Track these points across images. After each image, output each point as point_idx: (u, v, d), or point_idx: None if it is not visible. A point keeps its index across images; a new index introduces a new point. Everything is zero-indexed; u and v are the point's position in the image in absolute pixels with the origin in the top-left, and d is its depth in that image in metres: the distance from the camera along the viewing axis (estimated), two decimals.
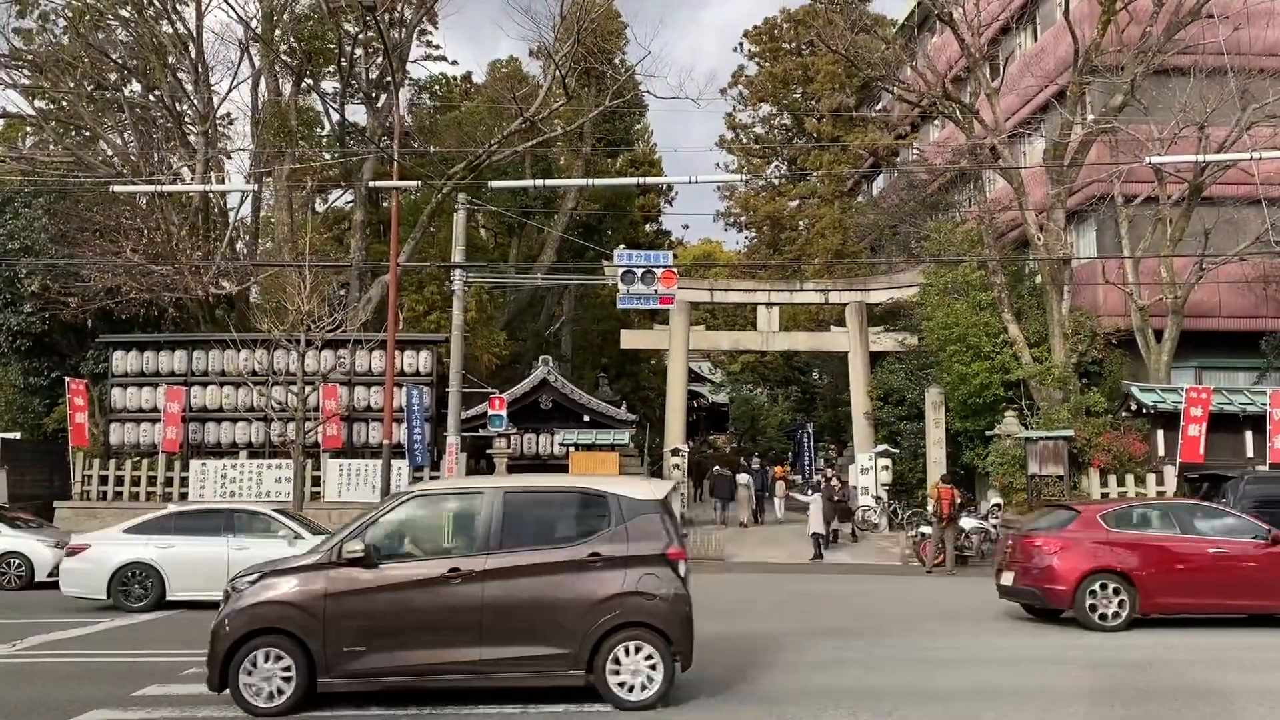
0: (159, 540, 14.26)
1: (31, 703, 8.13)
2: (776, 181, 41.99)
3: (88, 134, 28.95)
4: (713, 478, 29.58)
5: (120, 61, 28.79)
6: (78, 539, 15.16)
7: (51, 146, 28.44)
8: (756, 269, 36.74)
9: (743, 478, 28.41)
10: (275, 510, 15.43)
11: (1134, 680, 9.05)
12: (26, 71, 28.95)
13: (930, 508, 20.67)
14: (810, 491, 25.26)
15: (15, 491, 22.82)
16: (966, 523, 20.65)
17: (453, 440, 21.21)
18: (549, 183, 25.20)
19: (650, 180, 28.77)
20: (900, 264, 29.85)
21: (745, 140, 43.36)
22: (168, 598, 14.02)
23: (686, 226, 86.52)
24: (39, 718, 7.60)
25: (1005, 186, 25.37)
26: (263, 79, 30.18)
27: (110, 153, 28.18)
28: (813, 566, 20.91)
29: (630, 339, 31.87)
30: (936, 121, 33.68)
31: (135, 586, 14.05)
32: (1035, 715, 7.76)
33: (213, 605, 12.53)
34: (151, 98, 29.08)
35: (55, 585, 16.99)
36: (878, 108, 40.05)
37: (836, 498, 24.26)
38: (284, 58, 30.62)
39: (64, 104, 29.03)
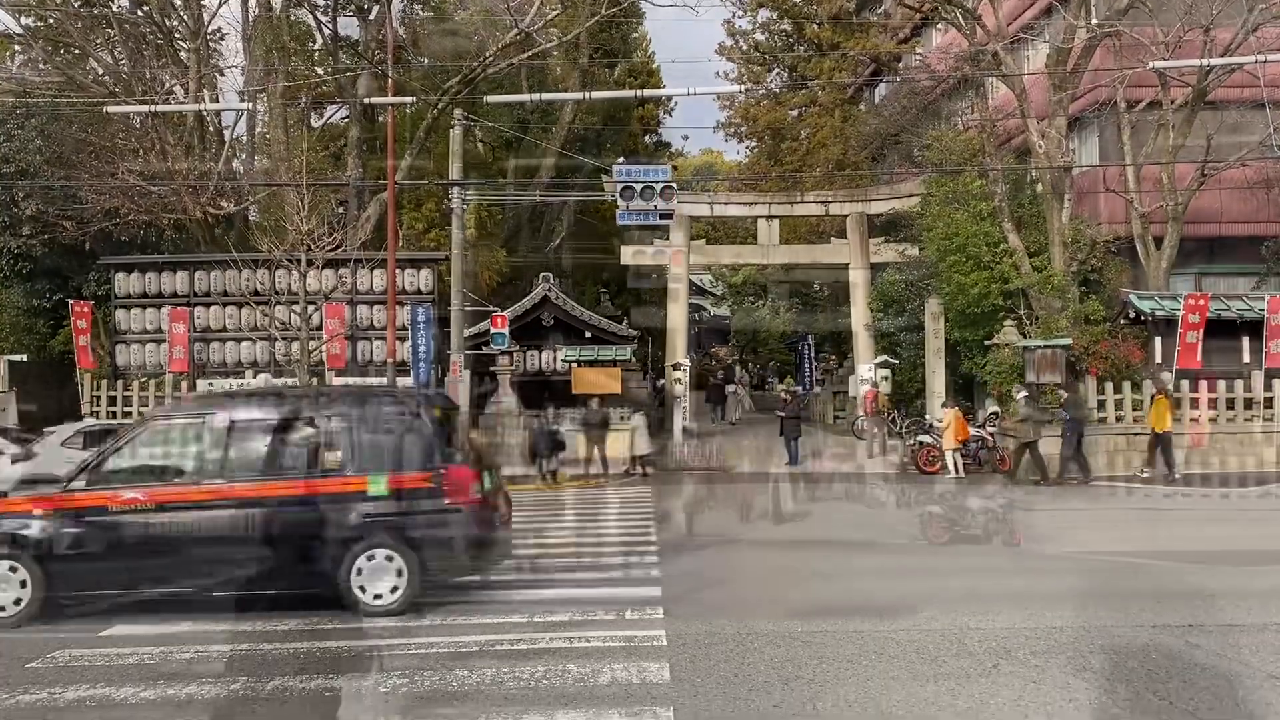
0: None
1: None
2: (777, 90, 41.32)
3: (77, 52, 28.45)
4: (709, 386, 38.10)
5: None
6: None
7: (41, 66, 28.00)
8: (757, 180, 36.51)
9: (729, 387, 36.92)
10: None
11: None
12: None
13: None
14: (629, 416, 23.07)
15: (24, 414, 23.06)
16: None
17: (456, 358, 21.43)
18: (546, 96, 24.96)
19: (649, 92, 28.36)
20: (901, 174, 29.65)
21: (745, 47, 42.50)
22: None
23: (686, 137, 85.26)
24: (8, 660, 7.59)
25: (1007, 93, 25.02)
26: None
27: (101, 71, 27.75)
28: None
29: (631, 254, 31.81)
30: (939, 26, 33.06)
31: None
32: None
33: None
34: (140, 13, 28.50)
35: None
36: (879, 11, 39.26)
37: (789, 414, 23.59)
38: None
39: (51, 20, 28.49)
